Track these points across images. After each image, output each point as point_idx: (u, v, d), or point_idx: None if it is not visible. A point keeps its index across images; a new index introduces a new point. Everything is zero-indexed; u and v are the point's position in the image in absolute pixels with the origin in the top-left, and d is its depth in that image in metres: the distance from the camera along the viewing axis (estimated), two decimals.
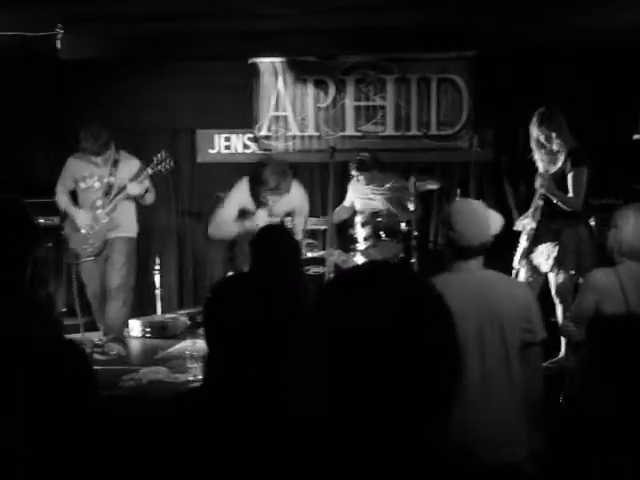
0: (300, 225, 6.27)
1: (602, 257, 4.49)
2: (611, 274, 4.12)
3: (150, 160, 6.48)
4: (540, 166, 5.87)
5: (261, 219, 6.19)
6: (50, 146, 7.98)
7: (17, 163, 7.97)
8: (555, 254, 5.71)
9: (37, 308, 3.21)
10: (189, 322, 7.49)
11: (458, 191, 7.21)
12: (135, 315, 7.36)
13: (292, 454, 1.42)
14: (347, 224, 7.28)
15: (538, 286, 5.72)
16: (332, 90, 8.05)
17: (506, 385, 3.17)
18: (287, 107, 8.12)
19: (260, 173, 5.92)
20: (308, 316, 1.30)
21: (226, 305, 2.14)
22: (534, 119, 5.86)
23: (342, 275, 1.43)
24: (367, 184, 7.07)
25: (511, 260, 5.81)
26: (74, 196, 6.59)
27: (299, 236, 6.10)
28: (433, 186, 7.23)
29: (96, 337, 6.55)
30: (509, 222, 5.79)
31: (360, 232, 6.91)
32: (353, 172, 7.08)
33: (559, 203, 5.69)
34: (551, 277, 5.78)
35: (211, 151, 8.29)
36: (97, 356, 6.21)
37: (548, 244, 5.76)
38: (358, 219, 7.01)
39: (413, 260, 6.83)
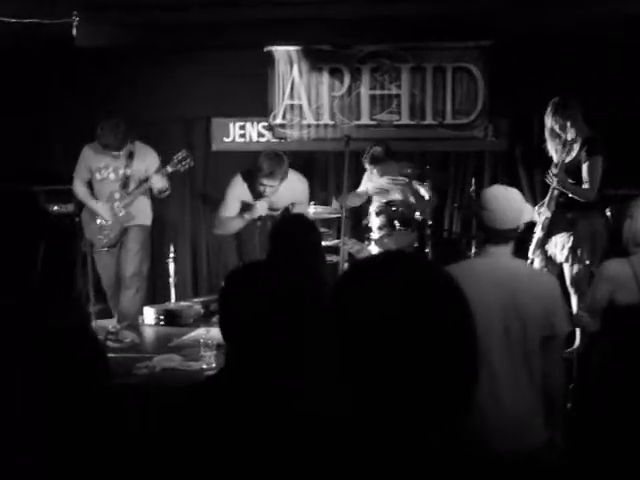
0: None
1: (617, 248, 4.48)
2: (625, 264, 4.12)
3: (169, 157, 6.48)
4: (554, 156, 5.86)
5: (261, 209, 6.25)
6: (65, 134, 7.97)
7: (32, 150, 7.99)
8: (570, 244, 5.71)
9: (50, 296, 3.22)
10: (203, 310, 7.48)
11: (473, 181, 7.17)
12: (149, 303, 7.39)
13: (306, 445, 1.43)
14: (361, 213, 7.28)
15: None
16: (347, 79, 8.02)
17: (526, 373, 3.17)
18: (302, 95, 8.09)
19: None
20: (325, 307, 1.31)
21: (240, 295, 2.12)
22: (549, 108, 5.85)
23: (357, 266, 1.44)
24: (382, 175, 7.04)
25: (526, 250, 5.80)
26: (90, 186, 6.59)
27: None
28: (425, 195, 6.97)
29: (110, 325, 6.57)
30: None
31: (374, 221, 6.89)
32: (367, 165, 7.07)
33: (573, 195, 5.68)
34: (566, 267, 5.77)
35: (226, 139, 8.27)
36: (111, 344, 6.21)
37: (563, 234, 5.75)
38: (372, 208, 6.99)
39: (427, 249, 6.83)
